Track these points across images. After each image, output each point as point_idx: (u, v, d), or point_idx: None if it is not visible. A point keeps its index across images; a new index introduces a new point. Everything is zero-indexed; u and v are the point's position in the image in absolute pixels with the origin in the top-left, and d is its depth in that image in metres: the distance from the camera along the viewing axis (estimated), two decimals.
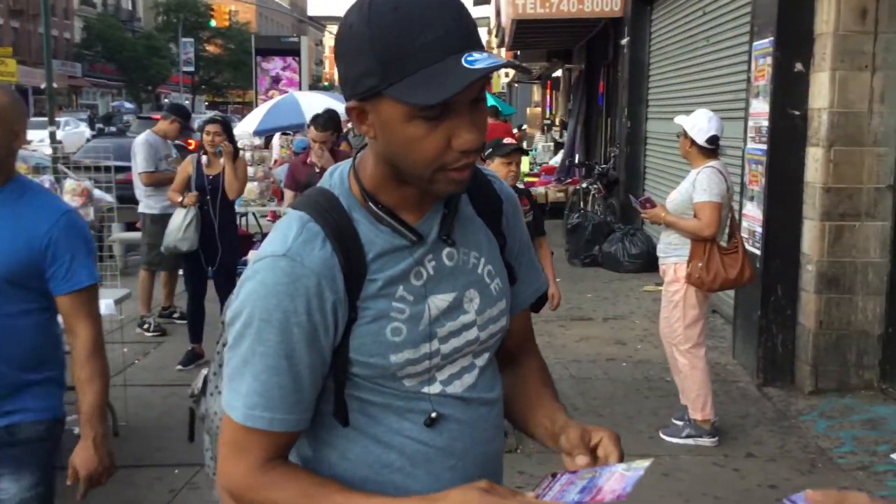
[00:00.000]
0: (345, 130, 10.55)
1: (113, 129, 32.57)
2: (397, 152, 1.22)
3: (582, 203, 11.78)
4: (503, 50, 18.40)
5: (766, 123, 5.77)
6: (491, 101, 26.61)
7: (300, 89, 16.56)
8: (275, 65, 17.43)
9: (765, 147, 5.79)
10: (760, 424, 5.11)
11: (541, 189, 14.21)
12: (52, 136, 14.22)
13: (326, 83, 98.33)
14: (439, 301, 1.33)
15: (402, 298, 1.30)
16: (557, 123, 19.93)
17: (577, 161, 14.75)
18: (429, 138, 1.18)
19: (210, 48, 60.02)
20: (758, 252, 5.83)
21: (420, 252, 1.32)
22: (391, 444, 1.33)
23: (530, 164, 17.46)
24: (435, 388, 1.35)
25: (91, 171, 7.58)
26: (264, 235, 10.16)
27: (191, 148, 16.02)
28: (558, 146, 18.06)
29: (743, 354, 6.18)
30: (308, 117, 10.29)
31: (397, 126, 1.19)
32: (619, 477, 1.21)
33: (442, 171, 1.22)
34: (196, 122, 20.78)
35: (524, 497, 1.18)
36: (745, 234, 6.08)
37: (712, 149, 4.67)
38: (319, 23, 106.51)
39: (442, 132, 1.18)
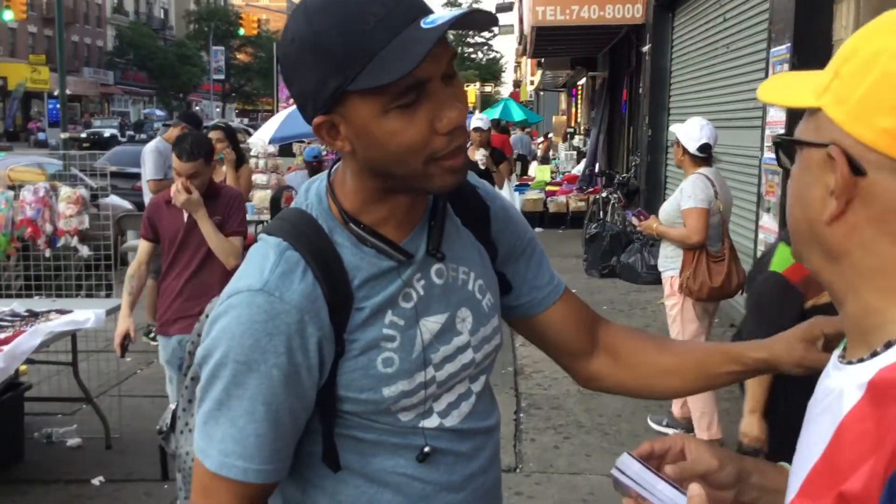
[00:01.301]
0: None
1: (143, 136, 32.92)
2: (381, 155, 1.11)
3: (601, 213, 11.60)
4: (525, 58, 18.28)
5: (783, 132, 5.59)
6: (518, 112, 26.69)
7: None
8: None
9: None
10: None
11: (562, 198, 14.06)
12: (64, 143, 14.35)
13: None
14: (431, 324, 1.23)
15: (392, 325, 1.19)
16: (581, 132, 19.76)
17: (598, 170, 14.57)
18: (410, 128, 1.09)
19: (241, 56, 60.59)
20: None
21: (409, 272, 1.21)
22: (386, 483, 1.22)
23: (552, 172, 17.32)
24: (432, 422, 1.24)
25: (108, 177, 7.53)
26: None
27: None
28: (581, 155, 17.88)
29: None
30: None
31: (373, 125, 1.09)
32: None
33: (434, 162, 1.12)
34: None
35: None
36: (761, 247, 5.90)
37: (704, 157, 4.62)
38: None
39: (422, 118, 1.09)
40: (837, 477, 0.76)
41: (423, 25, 1.06)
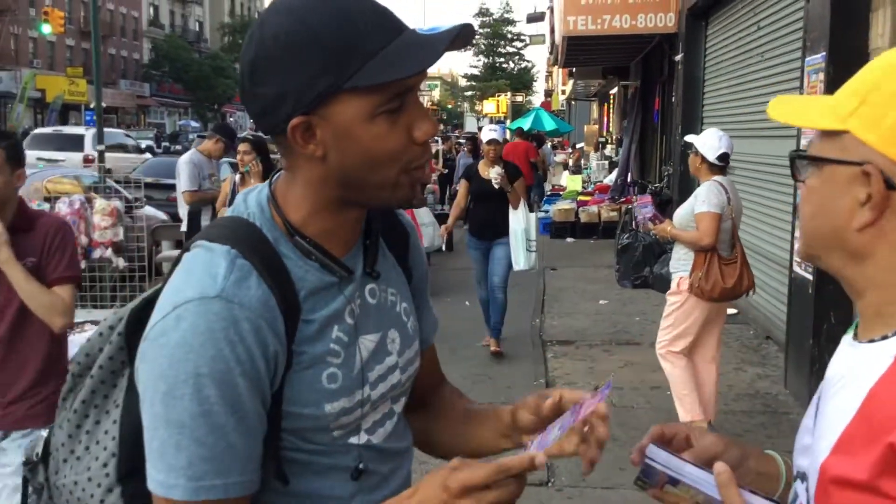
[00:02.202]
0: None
1: (178, 147, 33.30)
2: (359, 161, 1.11)
3: (634, 223, 11.50)
4: (557, 68, 18.24)
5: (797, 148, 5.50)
6: (549, 121, 26.61)
7: None
8: None
9: None
10: None
11: (594, 208, 13.98)
12: (101, 155, 14.54)
13: None
14: (368, 342, 1.22)
15: (338, 340, 1.17)
16: (613, 141, 19.67)
17: (630, 179, 14.47)
18: (392, 134, 1.11)
19: None
20: (810, 276, 5.56)
21: (350, 288, 1.20)
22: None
23: (583, 182, 17.24)
24: (360, 439, 1.23)
25: (141, 188, 7.62)
26: None
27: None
28: (613, 165, 17.78)
29: (795, 384, 5.89)
30: None
31: (359, 128, 1.09)
32: (591, 396, 1.16)
33: (405, 172, 1.14)
34: None
35: (495, 463, 1.06)
36: (797, 258, 5.82)
37: (721, 166, 4.87)
38: None
39: (402, 126, 1.11)
40: (879, 431, 0.88)
41: (420, 32, 1.09)
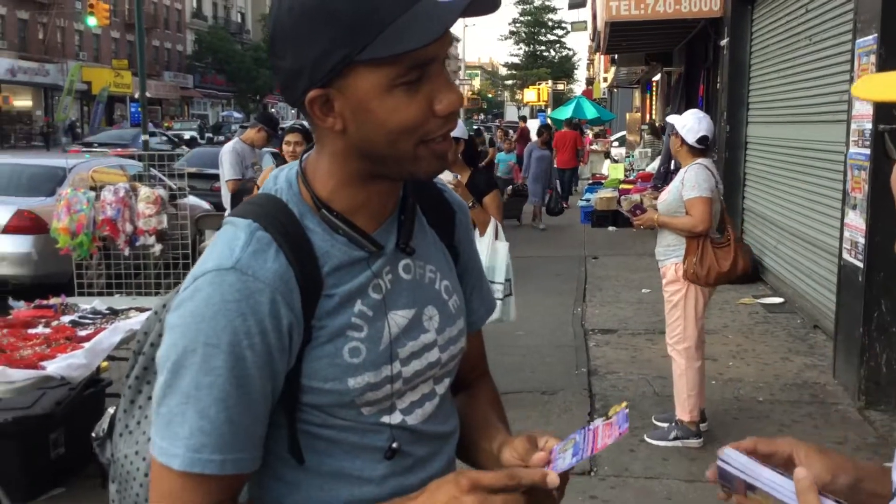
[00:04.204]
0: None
1: (221, 137, 33.66)
2: (376, 133, 1.09)
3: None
4: (599, 55, 18.05)
5: (869, 126, 5.36)
6: (591, 109, 26.35)
7: None
8: None
9: (868, 151, 5.38)
10: (860, 450, 4.72)
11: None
12: (146, 144, 14.73)
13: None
14: (399, 318, 1.20)
15: (360, 314, 1.16)
16: (654, 129, 19.43)
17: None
18: (411, 106, 1.08)
19: None
20: (860, 264, 5.43)
21: (378, 263, 1.18)
22: (341, 483, 1.17)
23: (626, 170, 17.06)
24: (395, 419, 1.20)
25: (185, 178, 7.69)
26: None
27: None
28: (656, 152, 17.57)
29: (844, 374, 5.77)
30: None
31: (375, 99, 1.07)
32: (605, 426, 1.15)
33: (424, 144, 1.11)
34: None
35: (507, 471, 1.07)
36: (846, 245, 5.69)
37: (701, 148, 4.75)
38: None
39: (422, 97, 1.09)
40: None
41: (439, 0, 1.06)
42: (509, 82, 78.16)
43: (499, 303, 4.64)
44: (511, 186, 14.76)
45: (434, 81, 1.09)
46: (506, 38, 53.43)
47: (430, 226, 1.30)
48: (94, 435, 1.38)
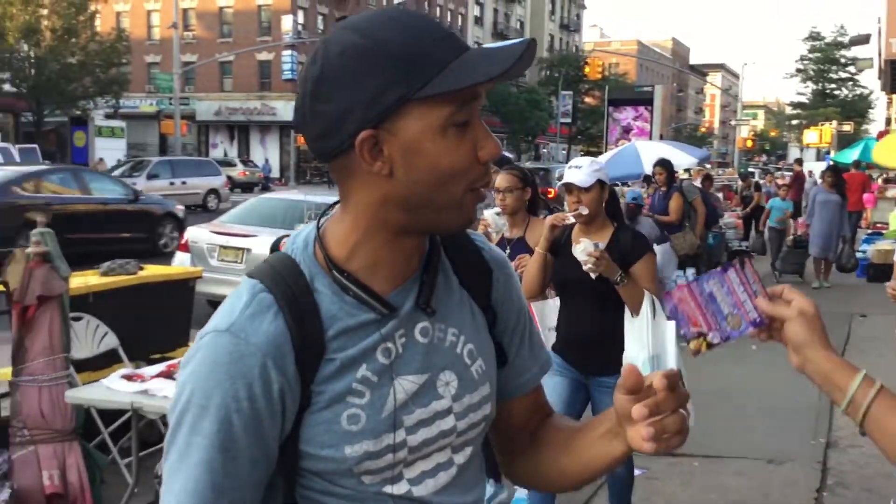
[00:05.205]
0: (677, 181, 10.13)
1: None
2: (427, 176, 1.08)
3: None
4: (884, 93, 16.57)
5: None
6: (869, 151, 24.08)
7: (650, 139, 16.33)
8: (626, 114, 17.39)
9: None
10: None
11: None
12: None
13: (704, 132, 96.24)
14: (408, 383, 1.15)
15: (363, 380, 1.12)
16: None
17: None
18: (461, 149, 1.09)
19: (588, 100, 61.82)
20: None
21: (390, 326, 1.14)
22: None
23: None
24: (400, 489, 1.15)
25: None
26: None
27: (550, 197, 16.51)
28: None
29: None
30: (647, 168, 10.07)
31: (429, 140, 1.07)
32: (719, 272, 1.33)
33: (472, 192, 1.12)
34: (556, 171, 21.49)
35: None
36: None
37: None
38: (701, 71, 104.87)
39: (469, 142, 1.09)
40: None
41: (486, 46, 1.09)
42: (794, 122, 73.78)
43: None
44: (791, 237, 13.58)
45: (475, 128, 1.10)
46: (791, 76, 50.46)
47: (463, 286, 1.25)
48: (156, 473, 1.44)
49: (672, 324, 3.40)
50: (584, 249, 3.44)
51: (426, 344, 1.18)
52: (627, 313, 3.51)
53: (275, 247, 5.80)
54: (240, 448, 1.07)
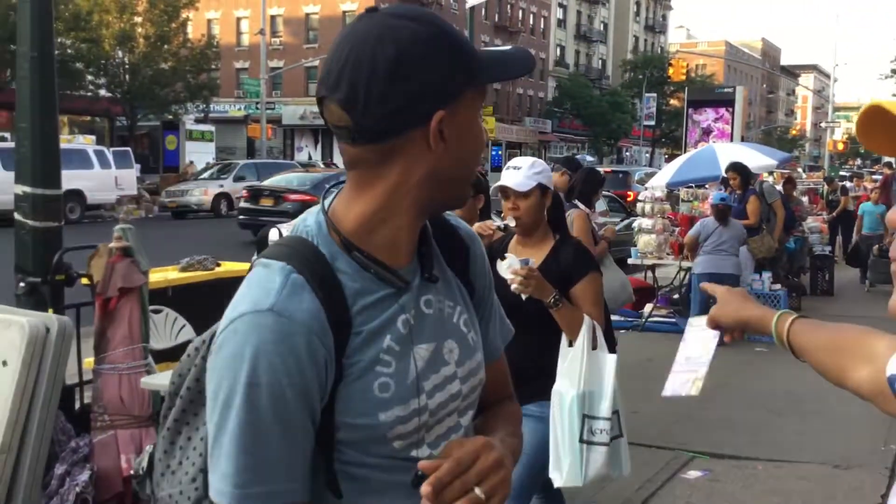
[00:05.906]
0: (753, 184, 9.94)
1: None
2: (471, 154, 1.26)
3: None
4: None
5: None
6: None
7: (731, 140, 16.01)
8: (706, 116, 17.08)
9: None
10: None
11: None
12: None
13: (795, 134, 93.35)
14: (423, 351, 1.24)
15: (389, 350, 1.21)
16: None
17: None
18: (483, 132, 1.29)
19: (673, 101, 60.85)
20: None
21: (406, 298, 1.24)
22: None
23: None
24: (424, 452, 1.24)
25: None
26: (660, 288, 9.95)
27: (629, 200, 16.33)
28: None
29: None
30: (724, 170, 9.89)
31: (474, 123, 1.25)
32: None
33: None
34: (636, 175, 21.21)
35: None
36: None
37: None
38: (792, 72, 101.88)
39: (481, 127, 1.30)
40: None
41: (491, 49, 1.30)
42: None
43: (602, 449, 2.96)
44: (878, 246, 13.00)
45: (480, 118, 1.30)
46: (887, 78, 48.68)
47: (447, 262, 1.35)
48: (132, 472, 1.50)
49: (613, 357, 3.03)
50: (509, 266, 2.93)
51: (431, 315, 1.27)
52: (565, 340, 3.03)
53: (262, 237, 5.62)
54: (295, 419, 1.13)
